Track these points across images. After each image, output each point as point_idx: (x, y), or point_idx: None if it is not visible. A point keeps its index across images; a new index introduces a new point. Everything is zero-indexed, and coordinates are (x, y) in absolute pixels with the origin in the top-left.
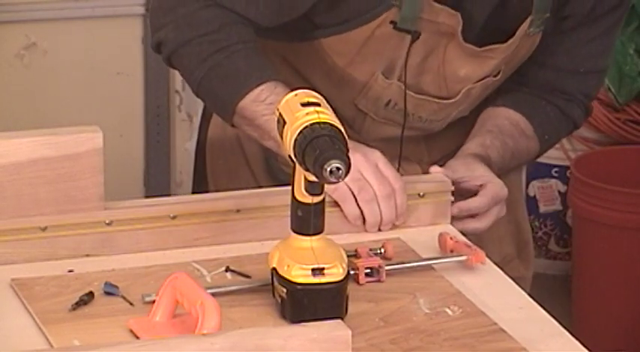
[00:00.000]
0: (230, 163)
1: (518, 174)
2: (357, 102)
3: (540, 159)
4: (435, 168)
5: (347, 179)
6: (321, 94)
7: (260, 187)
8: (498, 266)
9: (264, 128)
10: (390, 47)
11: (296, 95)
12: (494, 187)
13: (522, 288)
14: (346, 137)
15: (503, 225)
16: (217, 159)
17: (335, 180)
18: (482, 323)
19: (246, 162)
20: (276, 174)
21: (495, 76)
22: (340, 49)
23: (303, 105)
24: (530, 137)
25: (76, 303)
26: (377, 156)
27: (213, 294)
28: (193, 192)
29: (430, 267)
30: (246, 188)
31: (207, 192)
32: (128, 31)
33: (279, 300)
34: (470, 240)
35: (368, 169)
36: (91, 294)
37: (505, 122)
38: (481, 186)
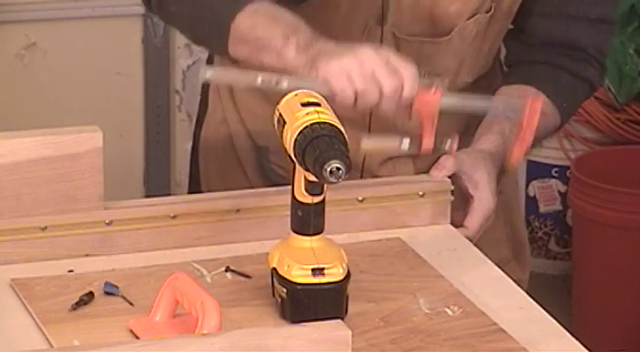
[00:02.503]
0: (222, 164)
1: (515, 176)
2: None
3: (540, 159)
4: (445, 160)
5: (354, 74)
6: None
7: (252, 188)
8: None
9: (263, 36)
10: None
11: (296, 95)
12: (482, 208)
13: None
14: (346, 137)
15: (499, 227)
16: (210, 160)
17: (335, 180)
18: (482, 323)
19: (239, 163)
20: (269, 174)
21: (487, 12)
22: (333, 1)
23: (303, 105)
24: (549, 114)
25: (76, 303)
26: (388, 51)
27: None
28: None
29: (430, 267)
30: (238, 189)
31: (200, 193)
32: (128, 31)
33: (279, 300)
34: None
35: (379, 64)
36: (91, 294)
37: None
38: (472, 197)
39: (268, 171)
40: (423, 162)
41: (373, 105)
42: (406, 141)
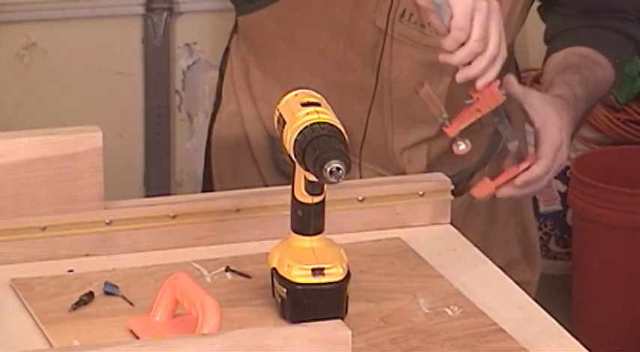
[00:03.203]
0: (235, 155)
1: None
2: (375, 19)
3: None
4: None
5: (479, 20)
6: (346, 20)
7: (265, 181)
8: (504, 270)
9: None
10: None
11: (296, 95)
12: (551, 139)
13: (528, 293)
14: (346, 137)
15: (510, 228)
16: (222, 151)
17: (335, 180)
18: (482, 323)
19: (251, 155)
20: (280, 166)
21: None
22: None
23: (303, 105)
24: (605, 65)
25: (76, 303)
26: (495, 6)
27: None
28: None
29: (430, 267)
30: (251, 181)
31: (212, 189)
32: (128, 31)
33: (279, 300)
34: (475, 244)
35: (493, 23)
36: (91, 294)
37: (574, 58)
38: (538, 132)
39: (280, 163)
40: (436, 154)
41: (467, 58)
42: (445, 116)
